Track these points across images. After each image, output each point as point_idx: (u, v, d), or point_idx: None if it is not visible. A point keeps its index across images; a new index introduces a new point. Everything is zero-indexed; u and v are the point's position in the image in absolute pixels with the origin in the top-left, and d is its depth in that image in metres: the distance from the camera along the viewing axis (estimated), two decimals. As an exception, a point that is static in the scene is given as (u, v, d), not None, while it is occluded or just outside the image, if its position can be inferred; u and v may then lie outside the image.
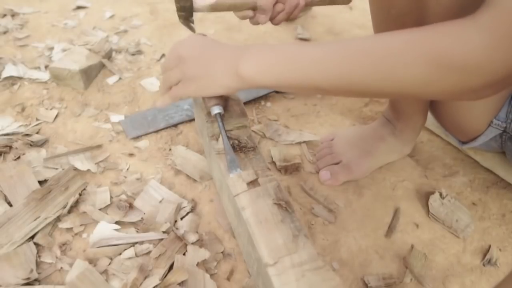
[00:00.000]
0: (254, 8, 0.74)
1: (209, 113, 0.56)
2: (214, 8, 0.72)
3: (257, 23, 0.77)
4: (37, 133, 0.72)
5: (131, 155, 0.70)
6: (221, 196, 0.60)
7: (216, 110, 0.54)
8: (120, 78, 0.90)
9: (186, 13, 0.71)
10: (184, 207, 0.61)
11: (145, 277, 0.50)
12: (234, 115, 0.59)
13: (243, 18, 0.76)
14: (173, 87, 0.54)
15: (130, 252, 0.53)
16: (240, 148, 0.56)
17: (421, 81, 0.37)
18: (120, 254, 0.53)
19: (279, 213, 0.47)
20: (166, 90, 0.55)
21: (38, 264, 0.51)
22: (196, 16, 1.24)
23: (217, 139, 0.57)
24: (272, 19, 0.77)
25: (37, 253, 0.52)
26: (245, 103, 0.86)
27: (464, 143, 0.68)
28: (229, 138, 0.56)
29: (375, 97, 0.44)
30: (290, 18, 0.79)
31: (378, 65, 0.39)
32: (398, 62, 0.38)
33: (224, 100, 0.56)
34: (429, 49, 0.36)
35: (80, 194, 0.60)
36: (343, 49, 0.42)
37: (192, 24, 0.74)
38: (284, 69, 0.45)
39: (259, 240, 0.44)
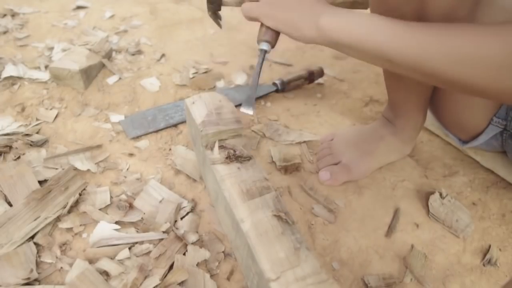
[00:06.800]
0: None
1: (203, 122, 0.56)
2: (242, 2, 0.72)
3: None
4: (37, 133, 0.72)
5: (131, 155, 0.70)
6: (217, 207, 0.59)
7: (265, 46, 0.52)
8: (120, 78, 0.90)
9: (214, 5, 0.70)
10: (184, 207, 0.61)
11: (145, 277, 0.50)
12: (229, 123, 0.58)
13: None
14: (252, 4, 0.54)
15: (130, 252, 0.53)
16: (236, 158, 0.55)
17: (495, 77, 0.37)
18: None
19: (279, 225, 0.46)
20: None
21: (38, 264, 0.51)
22: (197, 16, 1.24)
23: (211, 149, 0.56)
24: None
25: (37, 253, 0.52)
26: (245, 103, 0.86)
27: (465, 142, 0.68)
28: (229, 147, 0.55)
29: (443, 84, 0.44)
30: None
31: (456, 52, 0.39)
32: (474, 54, 0.37)
33: (276, 40, 0.55)
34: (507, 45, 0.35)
35: (80, 194, 0.60)
36: (425, 29, 0.42)
37: (219, 20, 0.74)
38: (363, 32, 0.45)
39: (260, 254, 0.43)
